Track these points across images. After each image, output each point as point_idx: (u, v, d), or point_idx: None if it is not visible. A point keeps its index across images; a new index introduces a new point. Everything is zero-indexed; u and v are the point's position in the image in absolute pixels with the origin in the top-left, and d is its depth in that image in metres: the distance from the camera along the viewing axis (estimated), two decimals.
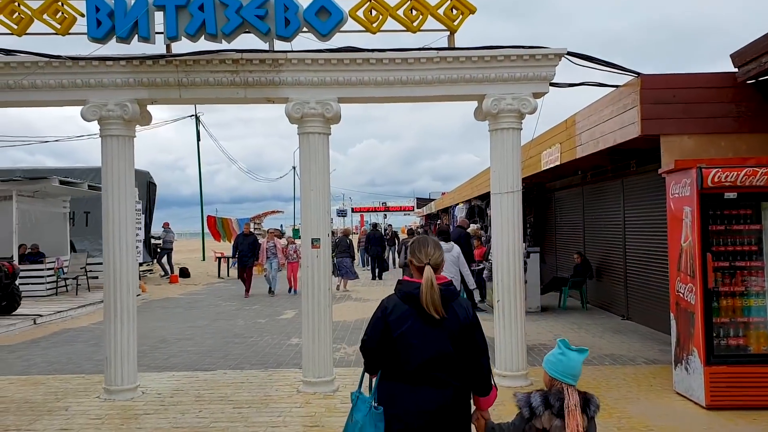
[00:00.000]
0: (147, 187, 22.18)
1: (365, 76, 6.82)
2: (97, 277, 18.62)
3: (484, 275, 14.54)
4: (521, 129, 7.15)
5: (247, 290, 16.99)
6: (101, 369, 7.33)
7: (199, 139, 27.58)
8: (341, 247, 18.20)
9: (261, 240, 18.40)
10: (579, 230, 14.79)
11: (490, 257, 14.77)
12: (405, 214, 65.74)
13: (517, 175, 7.10)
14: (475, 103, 7.38)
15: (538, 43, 7.47)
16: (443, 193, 41.17)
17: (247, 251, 17.05)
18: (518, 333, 7.00)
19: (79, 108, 6.85)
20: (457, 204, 24.33)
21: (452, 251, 9.94)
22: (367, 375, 3.33)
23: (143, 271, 24.22)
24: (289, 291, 17.51)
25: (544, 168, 11.54)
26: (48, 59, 6.64)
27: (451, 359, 3.08)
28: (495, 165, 7.11)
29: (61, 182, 15.09)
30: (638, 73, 7.24)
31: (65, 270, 16.44)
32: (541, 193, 17.75)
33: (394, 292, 3.24)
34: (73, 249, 18.60)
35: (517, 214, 7.07)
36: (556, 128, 10.64)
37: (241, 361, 8.73)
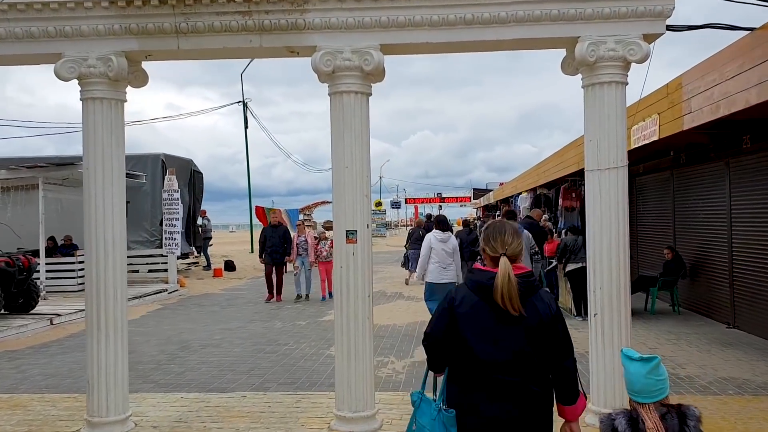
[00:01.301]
0: (191, 175, 21.07)
1: (416, 14, 5.12)
2: (137, 271, 17.66)
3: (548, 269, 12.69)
4: (627, 84, 5.33)
5: (278, 293, 14.21)
6: None
7: (246, 127, 26.43)
8: (414, 237, 16.84)
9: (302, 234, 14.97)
10: (668, 221, 12.71)
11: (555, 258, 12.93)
12: (461, 206, 63.63)
13: (622, 144, 5.29)
14: (562, 52, 5.59)
15: None
16: (501, 184, 39.05)
17: (278, 245, 14.18)
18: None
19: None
20: (520, 193, 22.33)
21: (448, 242, 8.99)
22: (431, 374, 3.03)
23: (187, 264, 23.26)
24: (323, 298, 14.10)
25: (635, 146, 9.59)
26: (12, 1, 5.19)
27: (529, 361, 2.72)
28: (591, 132, 5.31)
29: None
30: None
31: None
32: None
33: (463, 281, 2.89)
34: None
35: (622, 198, 5.27)
36: (653, 96, 8.69)
37: (268, 378, 7.21)
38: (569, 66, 5.53)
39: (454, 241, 9.14)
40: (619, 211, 5.26)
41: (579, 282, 10.92)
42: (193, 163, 21.31)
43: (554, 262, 12.43)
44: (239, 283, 18.70)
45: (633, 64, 5.26)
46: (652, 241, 13.38)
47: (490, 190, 45.33)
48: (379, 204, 51.35)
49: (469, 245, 16.82)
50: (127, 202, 18.96)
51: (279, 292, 14.29)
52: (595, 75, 5.24)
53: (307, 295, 14.30)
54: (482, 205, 45.32)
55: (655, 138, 8.60)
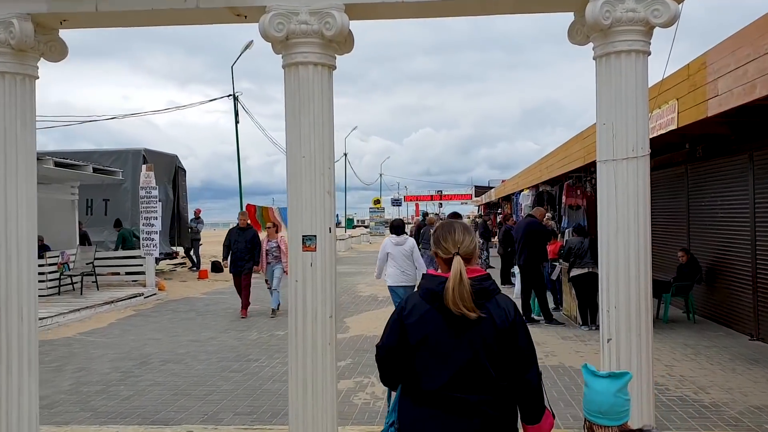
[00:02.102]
0: (175, 172, 20.09)
1: None
2: (118, 273, 16.68)
3: (553, 276, 11.70)
4: (649, 54, 4.32)
5: (245, 306, 12.01)
6: (45, 414, 4.87)
7: (237, 122, 25.44)
8: (425, 237, 15.80)
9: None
10: (681, 221, 11.70)
11: (561, 260, 11.95)
12: (462, 203, 62.52)
13: (643, 128, 4.28)
14: (570, 17, 4.58)
15: None
16: (503, 181, 38.02)
17: (243, 252, 11.93)
18: (645, 393, 4.20)
19: None
20: (522, 190, 21.33)
21: (405, 245, 9.01)
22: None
23: (174, 264, 22.28)
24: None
25: (651, 136, 8.57)
26: None
27: (484, 375, 2.45)
28: (605, 114, 4.30)
29: (57, 164, 12.94)
30: None
31: (71, 266, 14.37)
32: None
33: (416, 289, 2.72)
34: (87, 241, 16.58)
35: (643, 195, 4.26)
36: (670, 79, 7.67)
37: (225, 405, 6.21)
38: (578, 33, 4.51)
39: (410, 243, 9.17)
40: (639, 211, 4.25)
41: (585, 288, 9.92)
42: (178, 158, 20.32)
43: (558, 266, 11.42)
44: (224, 285, 17.65)
45: (656, 29, 4.25)
46: (664, 243, 12.37)
47: (492, 188, 44.33)
48: (377, 202, 50.39)
49: None
50: (106, 200, 18.04)
51: (245, 306, 12.03)
52: (610, 42, 4.22)
53: (276, 309, 11.95)
54: (484, 202, 44.37)
55: (673, 127, 7.59)
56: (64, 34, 4.73)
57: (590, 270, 9.82)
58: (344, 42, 4.43)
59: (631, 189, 4.21)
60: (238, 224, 12.52)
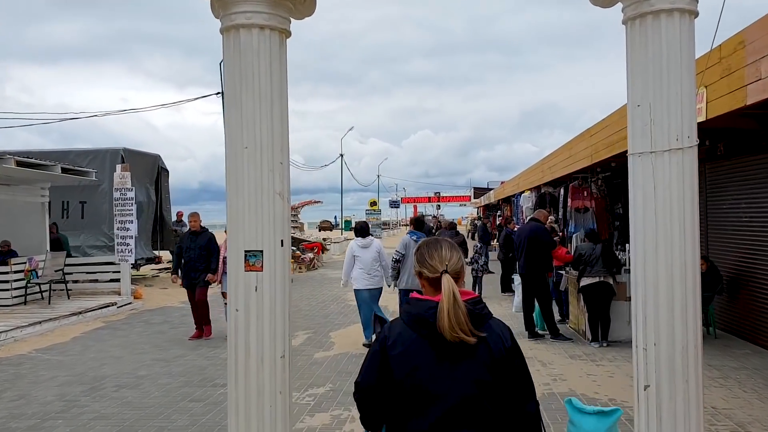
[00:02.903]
0: (158, 173, 19.08)
1: None
2: (96, 281, 15.65)
3: (561, 286, 10.71)
4: (697, 14, 3.33)
5: (200, 326, 10.19)
6: None
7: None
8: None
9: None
10: (700, 225, 10.69)
11: (567, 269, 10.95)
12: (461, 205, 61.60)
13: (690, 111, 3.30)
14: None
15: None
16: (502, 182, 37.05)
17: (197, 260, 9.94)
18: None
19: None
20: (523, 192, 20.33)
21: (370, 247, 8.98)
22: None
23: (158, 270, 21.26)
24: None
25: None
26: None
27: (480, 410, 2.23)
28: (639, 92, 3.31)
29: (20, 164, 11.92)
30: None
31: (39, 273, 13.36)
32: None
33: (399, 315, 2.40)
34: (59, 246, 15.54)
35: (690, 196, 3.30)
36: (699, 62, 6.66)
37: None
38: None
39: (376, 245, 9.07)
40: (686, 218, 3.28)
41: (596, 300, 8.94)
42: (161, 159, 19.29)
43: (564, 274, 10.42)
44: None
45: None
46: None
47: (491, 189, 43.38)
48: (374, 203, 49.17)
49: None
50: (83, 203, 17.03)
51: (203, 324, 10.19)
52: (645, 0, 3.24)
53: None
54: (482, 204, 43.48)
55: (702, 119, 6.58)
56: None
57: (602, 279, 8.83)
58: (302, 0, 3.43)
59: (675, 190, 3.24)
60: (189, 228, 10.48)
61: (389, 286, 9.38)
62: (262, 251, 3.26)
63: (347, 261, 9.13)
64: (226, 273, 10.14)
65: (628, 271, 9.55)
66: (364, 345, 8.91)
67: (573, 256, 9.63)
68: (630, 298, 9.26)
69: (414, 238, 8.88)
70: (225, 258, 9.70)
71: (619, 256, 9.46)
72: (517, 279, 10.23)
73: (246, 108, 3.27)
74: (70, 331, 11.05)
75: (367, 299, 9.04)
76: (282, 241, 3.33)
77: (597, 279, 8.83)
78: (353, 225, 11.87)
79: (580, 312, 9.65)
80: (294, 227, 26.95)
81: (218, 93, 24.60)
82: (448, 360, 2.22)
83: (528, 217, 18.84)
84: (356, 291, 9.09)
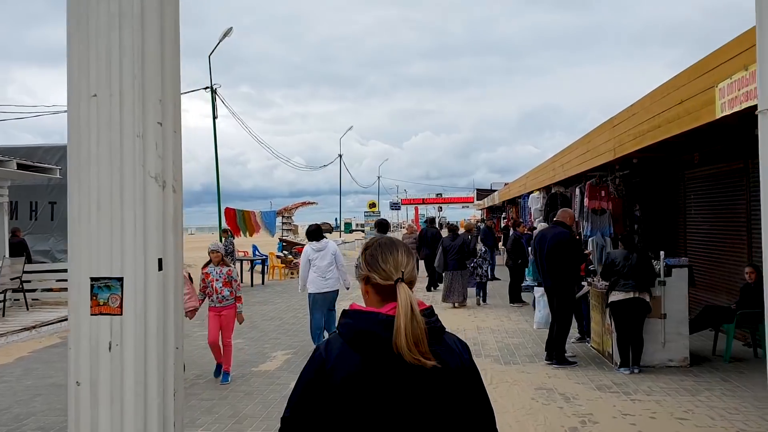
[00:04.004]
0: None
1: None
2: (65, 289, 14.28)
3: (578, 294, 9.26)
4: None
5: None
6: None
7: (215, 116, 23.02)
8: (451, 247, 13.65)
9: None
10: (741, 229, 9.28)
11: (589, 279, 9.50)
12: (463, 207, 59.98)
13: None
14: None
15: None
16: (506, 184, 35.60)
17: None
18: None
19: None
20: (531, 192, 18.88)
21: (325, 249, 8.80)
22: None
23: None
24: (222, 375, 7.53)
25: (722, 114, 6.19)
26: None
27: None
28: None
29: None
30: None
31: None
32: (659, 172, 12.23)
33: (336, 329, 1.94)
34: (25, 252, 14.11)
35: None
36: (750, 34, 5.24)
37: None
38: None
39: (331, 247, 8.93)
40: None
41: (628, 318, 7.52)
42: None
43: (586, 285, 8.99)
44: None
45: None
46: (720, 258, 9.95)
47: (495, 191, 41.95)
48: (373, 205, 47.78)
49: (455, 252, 13.57)
50: (53, 203, 15.68)
51: None
52: None
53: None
54: (486, 206, 42.09)
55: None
56: None
57: (637, 295, 7.40)
58: None
59: None
60: None
61: (347, 288, 9.28)
62: (121, 279, 1.85)
63: (302, 266, 8.95)
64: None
65: (663, 283, 8.27)
66: None
67: (603, 264, 8.16)
68: (666, 315, 7.63)
69: (313, 247, 8.82)
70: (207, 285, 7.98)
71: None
72: (538, 291, 8.77)
73: (98, 22, 1.86)
74: (18, 349, 9.65)
75: (321, 303, 8.87)
76: (160, 260, 1.92)
77: (631, 294, 7.40)
78: (352, 227, 11.23)
79: (606, 331, 8.21)
80: (288, 230, 25.52)
81: (206, 87, 23.25)
82: (401, 385, 1.84)
83: (537, 219, 17.44)
84: (309, 295, 8.86)
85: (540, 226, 16.08)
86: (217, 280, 7.55)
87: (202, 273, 7.75)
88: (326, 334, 9.75)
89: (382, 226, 10.15)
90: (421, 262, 18.04)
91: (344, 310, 1.95)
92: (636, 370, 7.54)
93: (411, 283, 1.97)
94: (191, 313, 7.55)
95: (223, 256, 7.83)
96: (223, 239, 18.59)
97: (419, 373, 1.83)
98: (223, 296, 7.55)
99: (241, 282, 17.83)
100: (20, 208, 15.65)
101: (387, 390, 1.83)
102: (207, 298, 7.64)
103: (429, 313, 1.91)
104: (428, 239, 17.33)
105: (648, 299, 7.59)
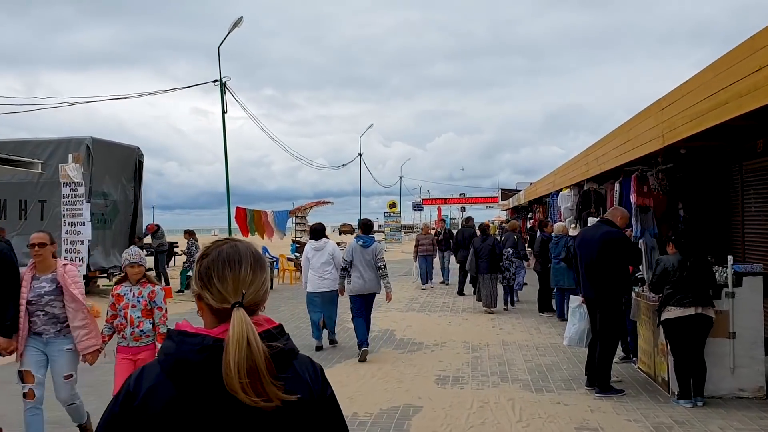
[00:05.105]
0: (136, 166, 16.61)
1: None
2: None
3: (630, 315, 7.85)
4: None
5: None
6: None
7: (224, 111, 21.88)
8: (483, 249, 13.21)
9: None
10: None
11: (636, 289, 8.01)
12: (487, 207, 58.32)
13: None
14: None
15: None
16: (531, 183, 34.08)
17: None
18: None
19: None
20: (560, 190, 17.43)
21: (324, 249, 8.77)
22: None
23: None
24: None
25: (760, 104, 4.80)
26: None
27: None
28: None
29: None
30: None
31: None
32: (710, 164, 10.73)
33: (156, 357, 1.58)
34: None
35: None
36: None
37: None
38: None
39: (330, 248, 8.87)
40: None
41: (687, 338, 6.11)
42: (140, 151, 16.77)
43: (635, 297, 7.57)
44: (186, 308, 14.17)
45: None
46: None
47: (520, 191, 40.40)
48: (393, 205, 46.39)
49: (487, 255, 12.48)
50: (43, 202, 14.59)
51: None
52: None
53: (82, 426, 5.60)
54: (511, 206, 40.57)
55: None
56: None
57: (699, 311, 5.99)
58: None
59: None
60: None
61: (341, 294, 9.03)
62: None
63: (304, 265, 9.03)
64: (34, 335, 5.33)
65: (732, 295, 6.85)
66: (317, 348, 8.98)
67: (653, 272, 6.73)
68: (735, 334, 6.08)
69: (361, 243, 8.49)
70: (29, 302, 5.22)
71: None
72: (574, 301, 7.36)
73: None
74: None
75: (318, 303, 8.90)
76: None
77: (692, 310, 5.98)
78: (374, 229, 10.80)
79: (659, 353, 6.80)
80: (302, 230, 24.30)
81: (215, 81, 22.15)
82: (233, 423, 1.47)
83: (567, 219, 15.97)
84: (308, 295, 8.95)
85: (571, 226, 14.63)
86: (133, 306, 5.14)
87: (112, 296, 5.29)
88: (326, 333, 9.34)
89: (367, 227, 9.07)
90: (457, 266, 17.33)
91: (169, 330, 1.54)
92: (699, 403, 6.14)
93: (257, 304, 1.59)
94: (92, 355, 5.23)
95: (146, 272, 5.35)
96: (187, 241, 17.41)
97: (254, 412, 1.47)
98: (141, 331, 5.12)
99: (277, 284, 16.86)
100: (9, 206, 14.65)
101: (206, 427, 1.46)
102: (116, 333, 5.26)
103: (278, 332, 1.56)
104: (465, 240, 16.02)
105: (712, 314, 6.17)
